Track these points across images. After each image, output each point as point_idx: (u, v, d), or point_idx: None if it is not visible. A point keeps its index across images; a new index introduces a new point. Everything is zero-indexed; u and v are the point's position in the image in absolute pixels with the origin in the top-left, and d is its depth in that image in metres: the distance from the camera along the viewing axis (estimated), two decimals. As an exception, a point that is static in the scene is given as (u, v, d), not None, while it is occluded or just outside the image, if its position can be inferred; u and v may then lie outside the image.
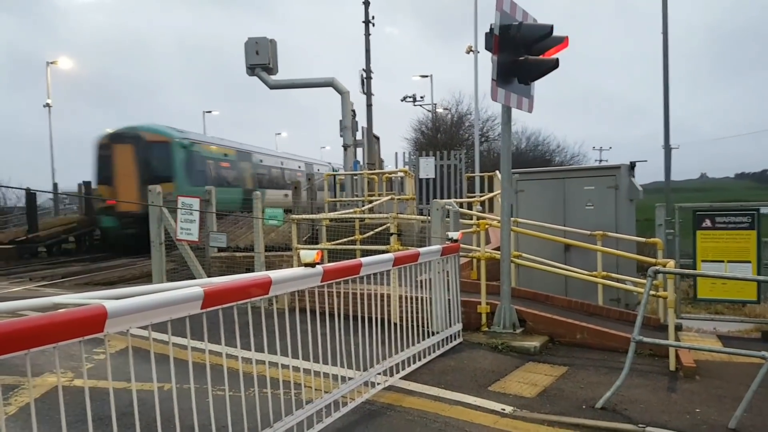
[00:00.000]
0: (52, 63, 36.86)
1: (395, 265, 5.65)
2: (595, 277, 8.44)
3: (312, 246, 8.59)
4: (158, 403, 3.11)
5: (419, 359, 6.01)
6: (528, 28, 6.65)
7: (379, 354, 5.24)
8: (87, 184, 32.57)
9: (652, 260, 7.41)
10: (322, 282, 4.39)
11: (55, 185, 35.65)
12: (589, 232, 9.01)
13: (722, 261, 7.73)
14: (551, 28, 6.56)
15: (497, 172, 13.20)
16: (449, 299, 6.79)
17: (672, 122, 11.31)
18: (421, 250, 6.27)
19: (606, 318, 8.09)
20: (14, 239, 24.34)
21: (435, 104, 46.79)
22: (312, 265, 4.20)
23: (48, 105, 37.26)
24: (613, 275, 8.52)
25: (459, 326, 7.03)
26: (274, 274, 3.91)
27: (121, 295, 3.34)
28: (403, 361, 5.66)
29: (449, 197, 16.25)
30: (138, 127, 21.33)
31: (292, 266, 8.22)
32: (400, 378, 5.53)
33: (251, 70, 17.60)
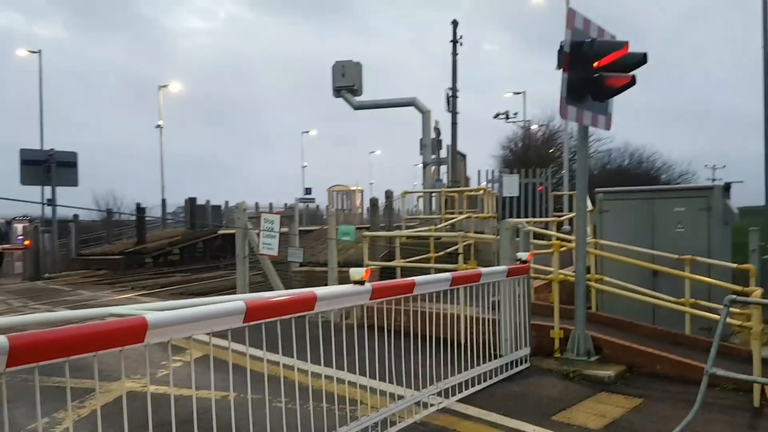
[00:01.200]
0: (163, 87, 39.60)
1: (453, 285, 5.58)
2: (683, 304, 7.95)
3: (384, 263, 8.68)
4: (196, 410, 3.26)
5: (479, 382, 5.89)
6: (601, 45, 6.44)
7: (434, 374, 5.19)
8: (192, 200, 34.59)
9: (739, 288, 6.89)
10: (371, 300, 4.42)
11: (163, 201, 38.08)
12: (676, 257, 8.51)
13: (825, 291, 7.04)
14: (626, 44, 6.32)
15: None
16: (517, 322, 6.61)
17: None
18: (484, 270, 6.16)
19: (692, 348, 7.57)
20: (124, 250, 26.21)
21: (528, 121, 45.97)
22: (361, 282, 4.24)
23: (160, 126, 39.99)
24: (702, 303, 7.98)
25: (526, 350, 6.83)
26: (320, 291, 3.98)
27: (172, 306, 3.52)
28: (460, 383, 5.57)
29: (533, 216, 15.89)
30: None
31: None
32: (457, 401, 5.45)
33: (337, 92, 18.15)
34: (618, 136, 49.90)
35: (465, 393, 5.60)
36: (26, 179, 18.97)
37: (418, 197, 19.83)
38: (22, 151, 19.22)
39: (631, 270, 9.02)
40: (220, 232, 31.30)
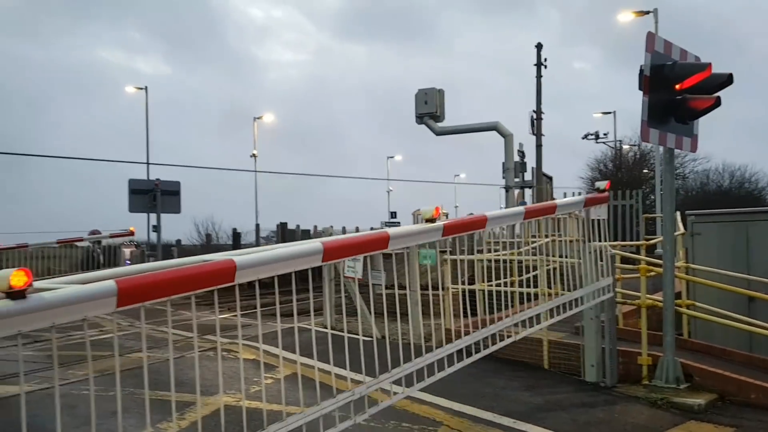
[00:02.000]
0: (258, 118, 41.58)
1: (527, 218, 5.56)
2: (781, 331, 7.56)
3: (468, 286, 8.76)
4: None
5: (559, 313, 5.83)
6: (683, 67, 6.37)
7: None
8: (283, 225, 35.93)
9: None
10: (443, 237, 4.43)
11: (257, 226, 39.76)
12: (772, 281, 8.11)
13: None
14: (709, 65, 6.22)
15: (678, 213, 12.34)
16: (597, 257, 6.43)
17: None
18: (558, 201, 6.13)
19: (793, 378, 7.18)
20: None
21: (619, 141, 44.52)
22: (432, 220, 4.25)
23: (254, 155, 41.89)
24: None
25: (609, 279, 6.69)
26: (393, 230, 4.07)
27: (254, 252, 3.78)
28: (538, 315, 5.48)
29: (624, 239, 15.44)
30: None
31: (444, 303, 8.47)
32: (540, 426, 5.47)
33: (420, 118, 18.58)
34: (717, 155, 47.01)
35: (545, 323, 5.55)
36: (134, 207, 20.55)
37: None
38: (131, 181, 20.86)
39: (725, 295, 8.66)
40: (309, 255, 32.22)
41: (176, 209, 21.47)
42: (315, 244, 3.60)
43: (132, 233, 18.43)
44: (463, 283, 10.79)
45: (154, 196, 20.37)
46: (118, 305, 2.67)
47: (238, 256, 3.28)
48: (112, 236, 18.83)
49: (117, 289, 2.66)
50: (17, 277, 2.33)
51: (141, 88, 34.37)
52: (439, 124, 19.01)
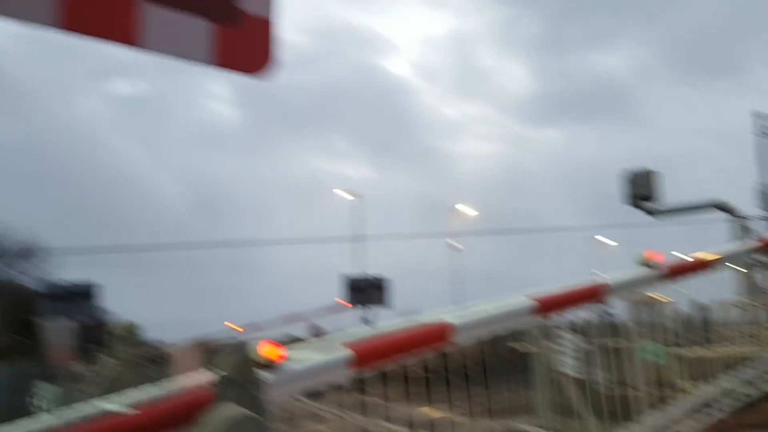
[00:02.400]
0: (454, 209, 42.45)
1: None
2: None
3: (696, 386, 7.73)
4: None
5: None
6: None
7: None
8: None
9: None
10: (667, 280, 4.21)
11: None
12: None
13: None
14: None
15: None
16: None
17: None
18: None
19: None
20: (425, 366, 27.79)
21: None
22: (647, 264, 4.03)
23: (451, 245, 42.50)
24: None
25: None
26: (611, 278, 3.88)
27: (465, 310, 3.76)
28: None
29: None
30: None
31: (669, 404, 7.53)
32: None
33: (631, 200, 17.52)
34: None
35: None
36: (350, 300, 22.17)
37: (739, 307, 17.24)
38: (347, 279, 22.62)
39: None
40: (514, 346, 31.24)
41: (383, 302, 22.63)
42: (525, 299, 3.57)
43: (345, 305, 19.66)
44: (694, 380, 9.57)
45: (365, 291, 21.74)
46: (353, 370, 2.86)
47: (454, 318, 3.33)
48: (323, 311, 20.23)
49: (353, 355, 2.85)
50: (273, 351, 2.57)
51: (355, 196, 36.71)
52: (653, 206, 17.69)
